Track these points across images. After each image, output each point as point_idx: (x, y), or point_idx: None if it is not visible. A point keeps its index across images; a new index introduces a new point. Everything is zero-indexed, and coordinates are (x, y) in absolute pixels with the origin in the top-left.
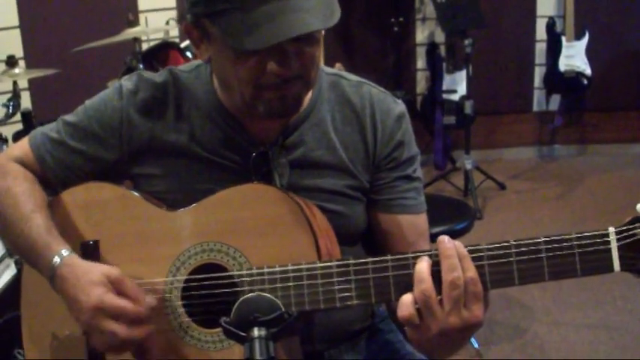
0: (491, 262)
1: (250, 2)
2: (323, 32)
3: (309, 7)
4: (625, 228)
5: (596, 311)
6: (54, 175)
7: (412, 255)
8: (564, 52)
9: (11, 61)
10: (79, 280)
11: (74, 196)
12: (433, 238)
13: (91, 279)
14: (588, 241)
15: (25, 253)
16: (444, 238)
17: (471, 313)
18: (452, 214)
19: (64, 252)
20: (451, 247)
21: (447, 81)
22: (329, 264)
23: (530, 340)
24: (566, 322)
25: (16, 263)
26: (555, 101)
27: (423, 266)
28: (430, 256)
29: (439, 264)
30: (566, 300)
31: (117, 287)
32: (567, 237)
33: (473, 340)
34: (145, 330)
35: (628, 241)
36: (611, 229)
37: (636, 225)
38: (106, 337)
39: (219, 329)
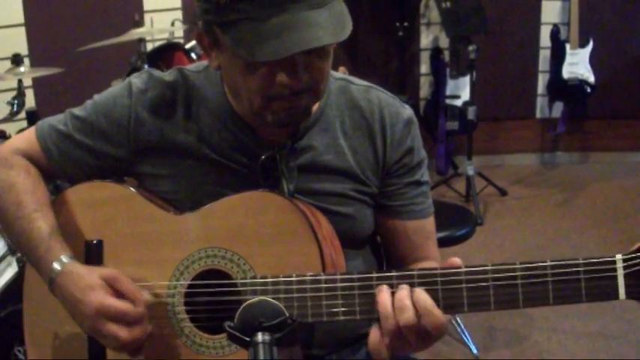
0: (496, 283)
1: (262, 14)
2: (335, 44)
3: (321, 21)
4: (632, 256)
5: (595, 320)
6: (59, 167)
7: (417, 272)
8: (568, 59)
9: (16, 60)
10: (77, 287)
11: (79, 195)
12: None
13: (88, 284)
14: (595, 267)
15: (26, 252)
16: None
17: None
18: (453, 220)
19: (64, 258)
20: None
21: (450, 86)
22: (333, 277)
23: (529, 347)
24: (565, 329)
25: (18, 261)
26: (558, 108)
27: (384, 297)
28: (434, 274)
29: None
30: (565, 308)
31: (114, 287)
32: (574, 262)
33: (472, 345)
34: (145, 328)
35: (635, 269)
36: (619, 257)
37: None
38: (109, 339)
39: (221, 335)
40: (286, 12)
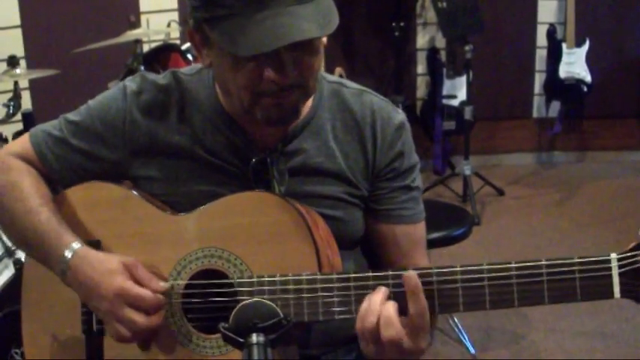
0: (492, 282)
1: (248, 9)
2: (325, 41)
3: (306, 15)
4: (627, 255)
5: (592, 319)
6: (54, 173)
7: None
8: (564, 58)
9: (12, 61)
10: (95, 270)
11: (76, 195)
12: (431, 244)
13: (108, 267)
14: (590, 267)
15: (33, 246)
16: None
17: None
18: (450, 220)
19: (75, 245)
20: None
21: (447, 86)
22: (329, 276)
23: (527, 346)
24: (562, 329)
25: (15, 263)
26: (555, 108)
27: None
28: (429, 274)
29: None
30: (562, 307)
31: (133, 274)
32: (569, 261)
33: (469, 345)
34: (160, 317)
35: (629, 268)
36: (614, 255)
37: (638, 252)
38: (124, 325)
39: (218, 335)
40: (271, 7)
